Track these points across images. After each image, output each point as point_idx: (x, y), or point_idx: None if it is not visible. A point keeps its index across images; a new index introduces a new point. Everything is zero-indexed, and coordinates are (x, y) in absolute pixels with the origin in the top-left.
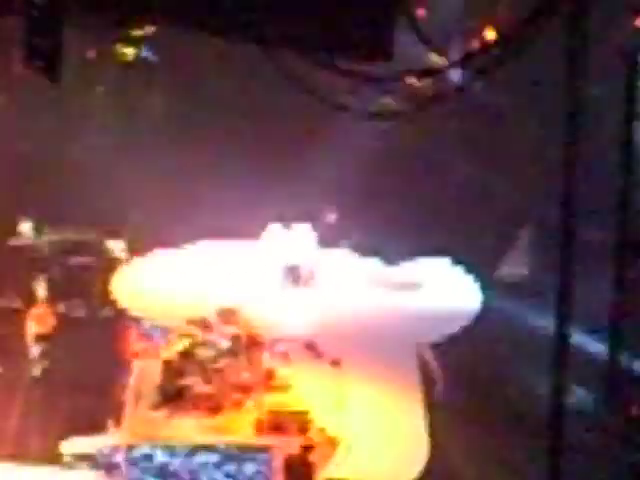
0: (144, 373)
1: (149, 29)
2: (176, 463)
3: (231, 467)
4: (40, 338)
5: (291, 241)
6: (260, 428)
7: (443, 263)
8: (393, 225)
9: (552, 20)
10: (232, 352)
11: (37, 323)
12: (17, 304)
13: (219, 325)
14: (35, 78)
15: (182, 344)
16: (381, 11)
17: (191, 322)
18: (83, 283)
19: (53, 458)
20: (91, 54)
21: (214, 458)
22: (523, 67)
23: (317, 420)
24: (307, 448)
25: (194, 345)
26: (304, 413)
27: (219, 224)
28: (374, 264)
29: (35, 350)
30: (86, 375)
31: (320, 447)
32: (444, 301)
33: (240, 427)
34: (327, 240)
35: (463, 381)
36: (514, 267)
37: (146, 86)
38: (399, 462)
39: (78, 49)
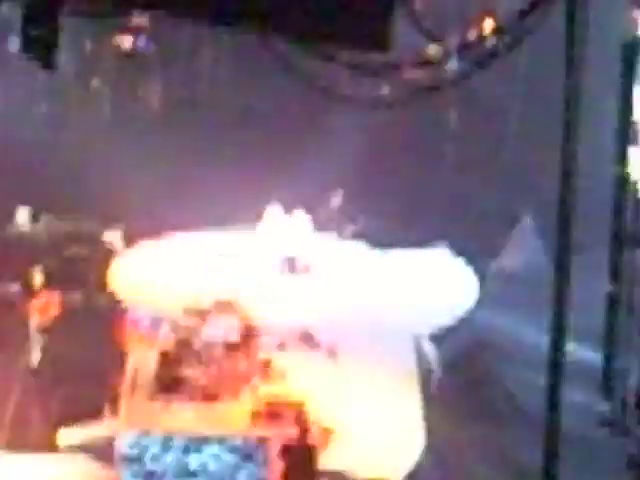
0: (140, 363)
1: (146, 19)
2: (172, 453)
3: (227, 457)
4: (42, 328)
5: (288, 229)
6: (256, 418)
7: (441, 253)
8: (391, 214)
9: (550, 11)
10: (228, 341)
11: (39, 313)
12: (13, 293)
13: (216, 315)
14: (32, 67)
15: (179, 334)
16: (380, 1)
17: (188, 312)
18: (80, 272)
19: (49, 447)
20: (88, 43)
21: (210, 449)
22: (521, 58)
23: (313, 410)
24: (305, 431)
25: (190, 335)
26: (300, 403)
27: (218, 212)
28: (372, 252)
29: (37, 340)
30: (83, 365)
31: (316, 437)
32: (442, 292)
33: (236, 417)
34: (331, 225)
35: (460, 372)
36: (512, 258)
37: (143, 75)
38: (395, 452)
39: (75, 38)
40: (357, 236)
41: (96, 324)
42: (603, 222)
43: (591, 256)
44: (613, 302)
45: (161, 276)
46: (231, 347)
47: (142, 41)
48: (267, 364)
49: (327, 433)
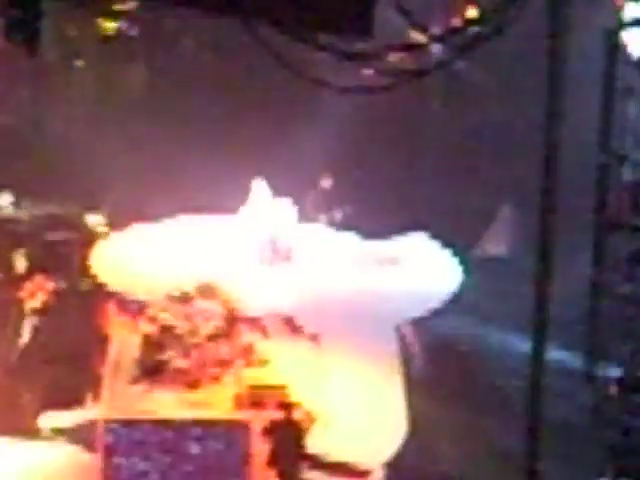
0: (123, 347)
1: (130, 3)
2: (154, 437)
3: (209, 441)
4: (33, 312)
5: (270, 215)
6: (239, 402)
7: (422, 239)
8: (373, 200)
9: None
10: (210, 327)
11: (29, 297)
12: None
13: (198, 300)
14: (14, 51)
15: (161, 318)
16: None
17: (170, 296)
18: (62, 257)
19: (32, 432)
20: (71, 27)
21: (192, 432)
22: (505, 44)
23: (296, 395)
24: (289, 412)
25: (173, 319)
26: (283, 387)
27: (203, 198)
28: (354, 239)
29: (27, 324)
30: (65, 349)
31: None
32: (424, 278)
33: (219, 401)
34: (318, 211)
35: (442, 357)
36: (494, 244)
37: (127, 60)
38: (377, 438)
39: (58, 22)
40: (340, 223)
41: (78, 308)
42: (586, 208)
43: (573, 242)
44: (596, 289)
45: (144, 260)
46: (214, 332)
47: (125, 26)
48: (249, 349)
49: (309, 418)
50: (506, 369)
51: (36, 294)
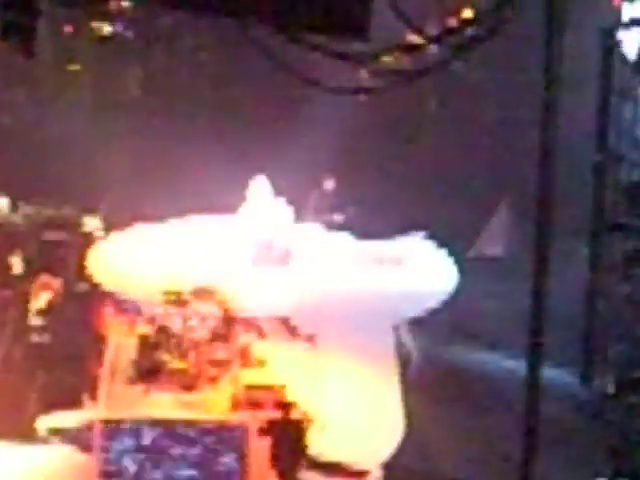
0: (120, 348)
1: (125, 4)
2: (151, 439)
3: (206, 443)
4: (39, 312)
5: (268, 216)
6: (236, 404)
7: (419, 240)
8: (370, 201)
9: None
10: (207, 328)
11: (34, 297)
12: None
13: (195, 301)
14: (10, 54)
15: (158, 319)
16: None
17: (167, 297)
18: (59, 259)
19: (28, 433)
20: (67, 30)
21: (190, 434)
22: (501, 44)
23: (293, 396)
24: (287, 411)
25: (170, 320)
26: (280, 388)
27: (200, 198)
28: (351, 240)
29: (35, 322)
30: (62, 350)
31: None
32: (421, 279)
33: (216, 403)
34: (321, 210)
35: (440, 359)
36: (491, 244)
37: (122, 61)
38: (374, 439)
39: (54, 24)
40: (339, 224)
41: (75, 309)
42: (583, 209)
43: (570, 244)
44: (593, 289)
45: (141, 262)
46: (211, 333)
47: (121, 27)
48: (246, 350)
49: (306, 418)
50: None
51: (41, 293)
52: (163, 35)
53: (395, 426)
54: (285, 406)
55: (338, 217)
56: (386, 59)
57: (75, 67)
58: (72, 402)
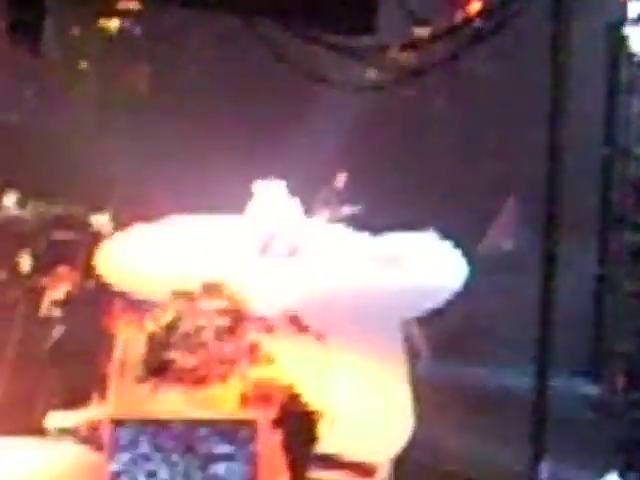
0: (128, 346)
1: (133, 2)
2: (161, 436)
3: (215, 440)
4: (56, 304)
5: (276, 213)
6: (245, 401)
7: (428, 236)
8: (377, 197)
9: None
10: (216, 325)
11: (51, 290)
12: (0, 277)
13: (204, 298)
14: (18, 52)
15: (166, 317)
16: None
17: (176, 295)
18: (68, 256)
19: (37, 432)
20: (74, 27)
21: (199, 431)
22: (508, 39)
23: (302, 393)
24: (297, 400)
25: (178, 318)
26: (289, 384)
27: (208, 196)
28: (361, 236)
29: (54, 315)
30: (70, 348)
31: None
32: (429, 274)
33: (225, 400)
34: (330, 207)
35: (448, 355)
36: (498, 241)
37: (130, 59)
38: (384, 434)
39: (61, 22)
40: (348, 220)
41: (84, 307)
42: (591, 204)
43: (578, 238)
44: (601, 284)
45: (149, 259)
46: (219, 330)
47: (129, 25)
48: (255, 347)
49: (316, 414)
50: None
51: (59, 285)
52: (171, 33)
53: (404, 421)
54: (295, 398)
55: (347, 211)
56: (393, 55)
57: (83, 65)
58: (82, 400)
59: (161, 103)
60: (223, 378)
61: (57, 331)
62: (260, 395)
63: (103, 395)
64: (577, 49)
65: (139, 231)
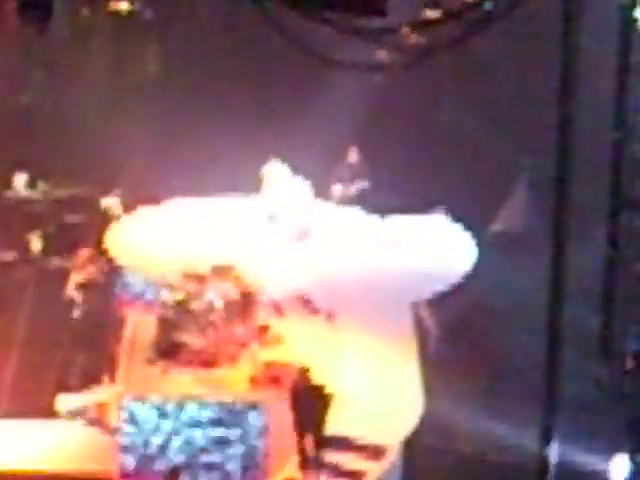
0: (138, 328)
1: None
2: (170, 418)
3: (226, 421)
4: (81, 286)
5: (285, 195)
6: (255, 382)
7: (439, 218)
8: (389, 180)
9: None
10: (226, 307)
11: (77, 272)
12: (11, 258)
13: (214, 280)
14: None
15: (177, 299)
16: None
17: (186, 277)
18: (78, 238)
19: (48, 414)
20: (84, 8)
21: (208, 413)
22: (519, 20)
23: (312, 374)
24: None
25: (188, 300)
26: (299, 366)
27: (218, 177)
28: (370, 218)
29: (76, 298)
30: (80, 330)
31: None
32: (439, 256)
33: (235, 381)
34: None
35: (458, 336)
36: (509, 223)
37: (140, 40)
38: (393, 416)
39: (71, 3)
40: (359, 200)
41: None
42: (601, 185)
43: (589, 219)
44: (611, 266)
45: (159, 241)
46: (229, 312)
47: (139, 6)
48: (265, 329)
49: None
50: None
51: (88, 266)
52: (181, 14)
53: (414, 403)
54: (305, 377)
55: (360, 186)
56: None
57: (93, 46)
58: (92, 382)
59: (171, 85)
60: (233, 360)
61: (76, 313)
62: (270, 377)
63: (113, 377)
64: (588, 31)
65: (149, 213)
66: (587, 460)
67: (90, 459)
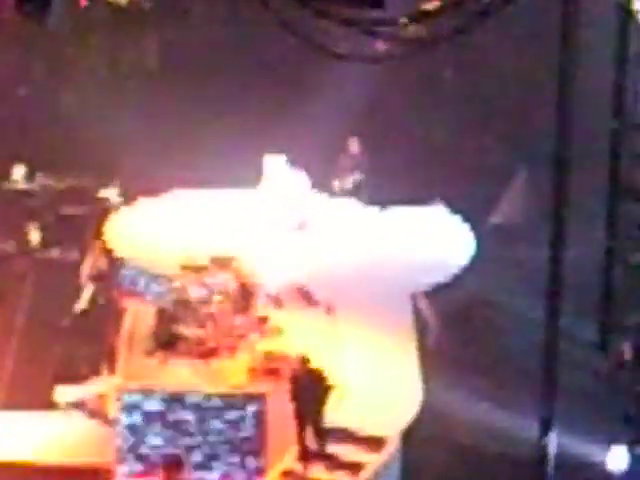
0: (137, 319)
1: None
2: (168, 410)
3: (223, 413)
4: (94, 278)
5: (284, 186)
6: (254, 373)
7: (438, 210)
8: (387, 171)
9: None
10: (225, 298)
11: (93, 260)
12: (9, 249)
13: (213, 271)
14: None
15: (176, 291)
16: None
17: (185, 268)
18: (76, 230)
19: (47, 405)
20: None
21: (207, 404)
22: (518, 12)
23: (311, 365)
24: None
25: (187, 291)
26: (298, 356)
27: (217, 170)
28: (369, 209)
29: (87, 290)
30: (79, 321)
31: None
32: (439, 249)
33: (234, 372)
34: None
35: (457, 327)
36: (508, 213)
37: (139, 33)
38: (392, 408)
39: None
40: (357, 191)
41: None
42: (600, 175)
43: (588, 210)
44: (610, 257)
45: (158, 233)
46: (228, 304)
47: None
48: (264, 320)
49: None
50: (521, 335)
51: (102, 257)
52: (179, 6)
53: (413, 394)
54: (305, 367)
55: (361, 176)
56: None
57: (91, 38)
58: (91, 373)
59: (170, 77)
60: (232, 351)
61: (81, 304)
62: (269, 368)
63: (112, 368)
64: (587, 22)
65: (149, 204)
66: (586, 451)
67: (89, 450)
